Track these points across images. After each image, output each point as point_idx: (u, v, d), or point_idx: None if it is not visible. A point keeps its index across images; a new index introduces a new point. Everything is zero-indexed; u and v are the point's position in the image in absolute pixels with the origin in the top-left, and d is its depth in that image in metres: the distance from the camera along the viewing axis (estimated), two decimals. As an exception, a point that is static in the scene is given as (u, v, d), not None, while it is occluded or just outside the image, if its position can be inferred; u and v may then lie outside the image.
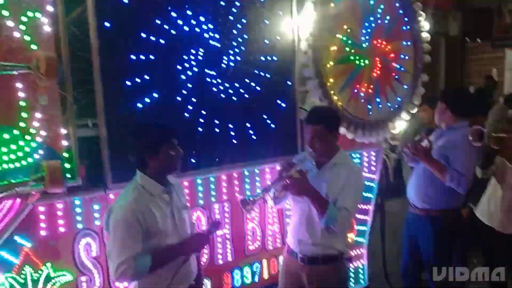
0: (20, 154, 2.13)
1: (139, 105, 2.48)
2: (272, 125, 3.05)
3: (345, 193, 2.39)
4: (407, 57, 3.60)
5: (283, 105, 3.08)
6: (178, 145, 2.14)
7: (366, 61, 3.33)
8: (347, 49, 3.22)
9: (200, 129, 2.73)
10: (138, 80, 2.46)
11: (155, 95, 2.53)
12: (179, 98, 2.62)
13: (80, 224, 2.38)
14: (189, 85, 2.65)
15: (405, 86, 3.64)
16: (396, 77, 3.56)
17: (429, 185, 3.06)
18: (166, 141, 2.09)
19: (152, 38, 2.49)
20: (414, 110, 3.78)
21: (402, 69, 3.59)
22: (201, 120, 2.73)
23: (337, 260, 2.51)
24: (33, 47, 2.10)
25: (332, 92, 3.15)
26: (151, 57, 2.49)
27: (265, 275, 3.13)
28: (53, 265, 2.30)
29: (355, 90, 3.30)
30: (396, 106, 3.60)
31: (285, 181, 2.37)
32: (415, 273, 3.37)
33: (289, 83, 3.08)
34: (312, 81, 3.04)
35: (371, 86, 3.39)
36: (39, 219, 2.25)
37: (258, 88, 2.93)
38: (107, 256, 2.09)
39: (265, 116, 3.00)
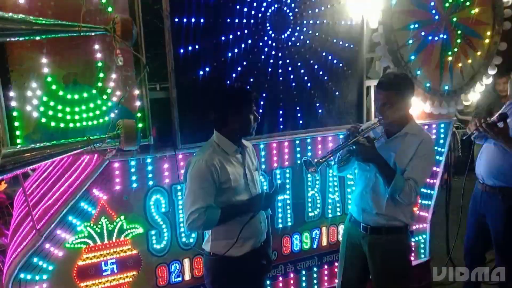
0: (97, 112, 2.28)
1: (207, 69, 2.53)
2: (337, 93, 3.00)
3: (414, 164, 2.31)
4: (484, 24, 3.35)
5: (349, 71, 3.00)
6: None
7: (440, 27, 3.14)
8: (421, 14, 3.05)
9: (264, 94, 2.74)
10: (206, 44, 2.50)
11: (223, 59, 2.56)
12: (245, 63, 2.64)
13: (151, 181, 2.51)
14: (256, 50, 2.66)
15: (481, 55, 3.40)
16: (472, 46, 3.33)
17: (503, 161, 2.87)
18: (249, 104, 2.18)
19: (222, 2, 2.50)
20: (489, 81, 3.53)
21: (479, 36, 3.35)
22: (266, 86, 2.74)
23: (401, 231, 2.46)
24: (109, 10, 2.19)
25: (402, 58, 3.01)
26: (220, 21, 2.52)
27: (324, 242, 3.15)
28: (126, 218, 2.46)
29: (427, 57, 3.14)
30: (470, 76, 3.38)
31: (351, 146, 2.34)
32: (480, 250, 3.24)
33: (356, 48, 2.98)
34: (382, 47, 2.92)
35: (444, 54, 3.20)
36: (114, 174, 2.40)
37: (323, 54, 2.88)
38: (182, 206, 2.23)
39: (330, 83, 2.95)
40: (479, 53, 3.38)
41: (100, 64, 2.24)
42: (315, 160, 2.28)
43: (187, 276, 2.67)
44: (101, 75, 2.26)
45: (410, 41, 3.03)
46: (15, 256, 2.27)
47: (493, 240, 3.06)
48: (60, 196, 2.44)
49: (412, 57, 3.07)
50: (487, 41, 3.40)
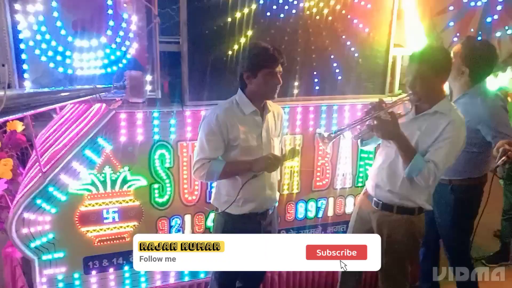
0: (106, 61, 2.25)
1: (222, 24, 2.43)
2: (360, 60, 2.84)
3: (438, 146, 2.15)
4: None
5: (375, 38, 2.82)
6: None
7: None
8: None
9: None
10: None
11: (240, 14, 2.45)
12: (262, 21, 2.52)
13: (157, 135, 2.49)
14: (275, 7, 2.53)
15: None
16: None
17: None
18: (266, 67, 2.11)
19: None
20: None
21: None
22: (283, 46, 2.60)
23: (412, 212, 2.33)
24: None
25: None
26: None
27: (330, 212, 3.10)
28: (130, 169, 2.48)
29: (465, 24, 2.92)
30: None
31: (372, 121, 2.22)
32: (435, 241, 3.08)
33: (384, 13, 2.78)
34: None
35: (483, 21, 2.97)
36: (120, 125, 2.40)
37: (348, 16, 2.71)
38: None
39: (352, 49, 2.79)
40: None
41: (110, 12, 2.19)
42: (328, 134, 2.21)
43: (187, 232, 2.70)
44: (111, 23, 2.21)
45: (451, 8, 2.81)
46: (20, 196, 2.34)
47: (442, 231, 2.89)
48: (68, 143, 2.47)
49: (451, 23, 2.85)
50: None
